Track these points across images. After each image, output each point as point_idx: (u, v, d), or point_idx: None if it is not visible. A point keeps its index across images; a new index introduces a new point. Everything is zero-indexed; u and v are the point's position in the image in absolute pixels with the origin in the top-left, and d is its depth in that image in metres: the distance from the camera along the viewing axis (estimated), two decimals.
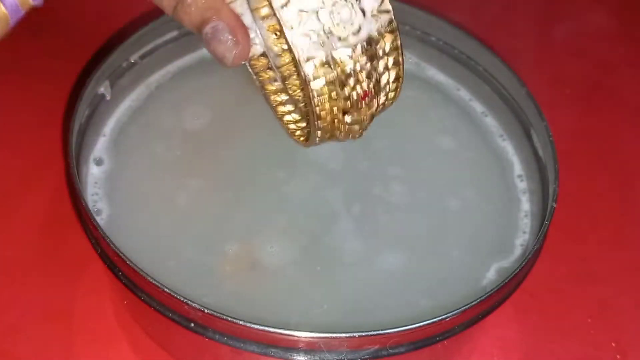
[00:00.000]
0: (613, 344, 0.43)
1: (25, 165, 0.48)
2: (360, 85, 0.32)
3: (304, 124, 0.38)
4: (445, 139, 0.46)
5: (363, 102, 0.32)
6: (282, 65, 0.33)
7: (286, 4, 0.29)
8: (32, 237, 0.45)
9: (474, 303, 0.33)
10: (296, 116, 0.38)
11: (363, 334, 0.32)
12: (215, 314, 0.32)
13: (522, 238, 0.41)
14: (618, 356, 0.42)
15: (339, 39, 0.30)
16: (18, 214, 0.46)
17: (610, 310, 0.44)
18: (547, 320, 0.43)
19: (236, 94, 0.46)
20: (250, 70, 0.37)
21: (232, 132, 0.45)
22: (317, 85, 0.31)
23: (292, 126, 0.38)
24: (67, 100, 0.50)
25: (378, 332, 0.32)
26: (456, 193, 0.43)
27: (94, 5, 0.58)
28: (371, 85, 0.32)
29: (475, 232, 0.41)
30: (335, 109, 0.32)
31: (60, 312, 0.41)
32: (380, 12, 0.31)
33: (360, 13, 0.30)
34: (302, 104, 0.35)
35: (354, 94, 0.32)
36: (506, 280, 0.34)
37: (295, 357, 0.33)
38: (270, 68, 0.36)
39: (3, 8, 0.29)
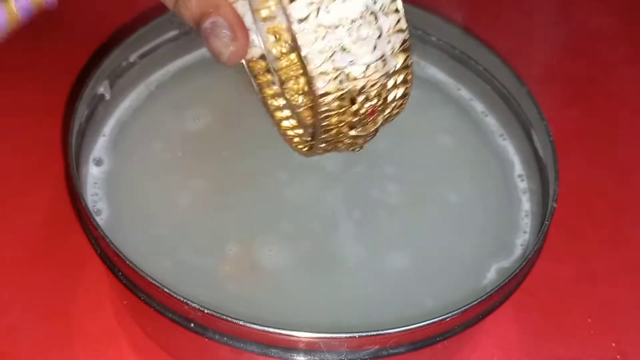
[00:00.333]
0: (613, 344, 0.43)
1: (25, 165, 0.48)
2: (370, 101, 0.31)
3: (301, 131, 0.37)
4: (445, 139, 0.46)
5: (370, 118, 0.32)
6: (281, 69, 0.33)
7: (306, 18, 0.29)
8: (32, 237, 0.45)
9: (474, 303, 0.33)
10: (294, 122, 0.38)
11: (363, 334, 0.32)
12: (215, 314, 0.32)
13: (522, 238, 0.41)
14: (618, 356, 0.42)
15: (354, 56, 0.30)
16: (18, 214, 0.45)
17: (610, 310, 0.44)
18: (547, 320, 0.43)
19: (236, 94, 0.46)
20: (248, 72, 0.37)
21: (232, 132, 0.45)
22: (327, 99, 0.30)
23: (290, 132, 0.38)
24: (66, 100, 0.50)
25: (378, 332, 0.32)
26: (456, 193, 0.43)
27: (94, 5, 0.58)
28: (379, 103, 0.32)
29: (475, 232, 0.41)
30: (342, 124, 0.32)
31: (60, 312, 0.41)
32: (396, 31, 0.31)
33: (377, 32, 0.30)
34: (299, 110, 0.35)
35: (362, 110, 0.31)
36: (506, 280, 0.34)
37: (295, 357, 0.33)
38: (268, 71, 0.36)
39: (14, 7, 0.29)
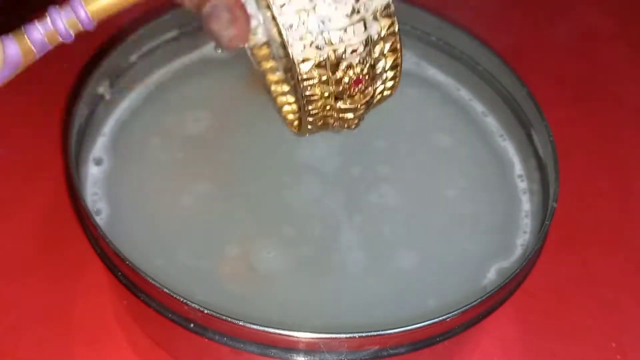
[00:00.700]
0: (613, 344, 0.43)
1: (25, 165, 0.48)
2: (353, 69, 0.31)
3: None
4: (445, 139, 0.46)
5: (356, 87, 0.31)
6: (286, 56, 0.33)
7: None
8: (32, 237, 0.45)
9: (474, 303, 0.33)
10: (295, 107, 0.37)
11: (363, 334, 0.32)
12: (214, 314, 0.31)
13: (522, 238, 0.41)
14: (618, 356, 0.42)
15: (330, 20, 0.29)
16: (18, 214, 0.45)
17: (610, 311, 0.44)
18: (547, 321, 0.43)
19: (236, 94, 0.46)
20: (252, 59, 0.36)
21: (232, 132, 0.45)
22: (305, 67, 0.30)
23: (290, 116, 0.37)
24: (66, 100, 0.50)
25: (378, 332, 0.32)
26: (456, 193, 0.43)
27: None
28: (365, 71, 0.31)
29: (475, 232, 0.41)
30: (326, 93, 0.31)
31: (60, 312, 0.41)
32: None
33: None
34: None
35: (346, 78, 0.31)
36: (506, 281, 0.34)
37: (295, 358, 0.33)
38: (272, 58, 0.36)
39: (27, 40, 0.29)
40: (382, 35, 0.31)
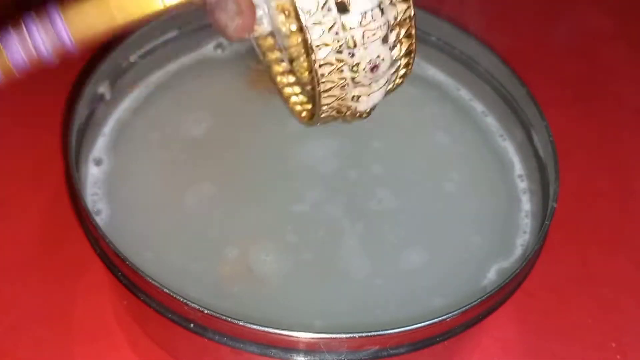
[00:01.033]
0: (613, 344, 0.43)
1: (25, 165, 0.48)
2: (371, 55, 0.30)
3: (309, 106, 0.36)
4: (445, 138, 0.46)
5: (372, 74, 0.31)
6: (291, 47, 0.32)
7: None
8: (32, 237, 0.45)
9: (474, 303, 0.33)
10: (303, 98, 0.37)
11: (363, 334, 0.32)
12: (214, 314, 0.31)
13: (522, 238, 0.41)
14: (618, 356, 0.42)
15: (349, 4, 0.29)
16: (18, 214, 0.45)
17: (610, 311, 0.44)
18: (547, 321, 0.43)
19: (237, 94, 0.46)
20: (257, 49, 0.36)
21: (233, 132, 0.45)
22: (323, 53, 0.29)
23: (298, 107, 0.37)
24: (66, 100, 0.50)
25: (378, 332, 0.32)
26: (456, 193, 0.43)
27: None
28: (382, 57, 0.30)
29: (475, 232, 0.41)
30: (342, 81, 0.30)
31: (60, 312, 0.41)
32: None
33: None
34: (310, 87, 0.34)
35: (363, 64, 0.30)
36: (506, 281, 0.34)
37: (295, 358, 0.33)
38: (278, 49, 0.35)
39: (6, 58, 0.28)
40: (398, 21, 0.30)
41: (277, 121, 0.44)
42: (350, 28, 0.29)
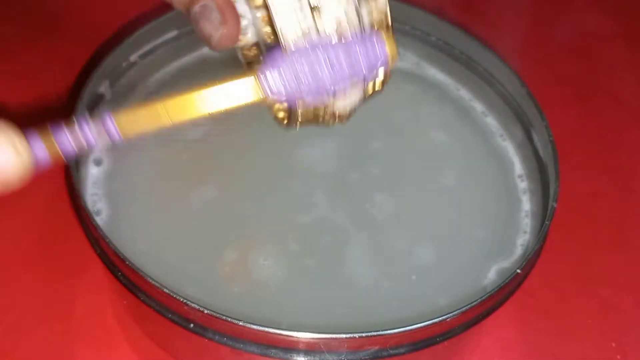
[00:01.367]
0: (613, 344, 0.43)
1: None
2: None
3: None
4: (445, 139, 0.46)
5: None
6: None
7: None
8: (32, 237, 0.45)
9: (474, 303, 0.33)
10: (286, 105, 0.37)
11: (363, 334, 0.32)
12: (215, 314, 0.31)
13: (522, 238, 0.41)
14: (618, 356, 0.42)
15: (323, 8, 0.29)
16: (18, 214, 0.45)
17: (610, 311, 0.44)
18: (548, 321, 0.43)
19: None
20: (242, 59, 0.36)
21: (233, 132, 0.44)
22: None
23: (280, 114, 0.37)
24: (66, 99, 0.50)
25: (378, 332, 0.32)
26: (456, 193, 0.43)
27: (94, 5, 0.58)
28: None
29: (475, 232, 0.41)
30: None
31: (60, 312, 0.41)
32: None
33: None
34: None
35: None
36: (506, 281, 0.34)
37: (295, 358, 0.33)
38: (262, 58, 0.35)
39: (57, 148, 0.28)
40: (375, 29, 0.31)
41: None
42: (327, 34, 0.30)
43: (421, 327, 0.32)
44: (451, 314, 0.33)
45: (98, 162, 0.42)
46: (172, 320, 0.33)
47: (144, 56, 0.46)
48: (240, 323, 0.31)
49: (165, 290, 0.32)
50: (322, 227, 0.40)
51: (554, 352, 0.42)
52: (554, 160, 0.40)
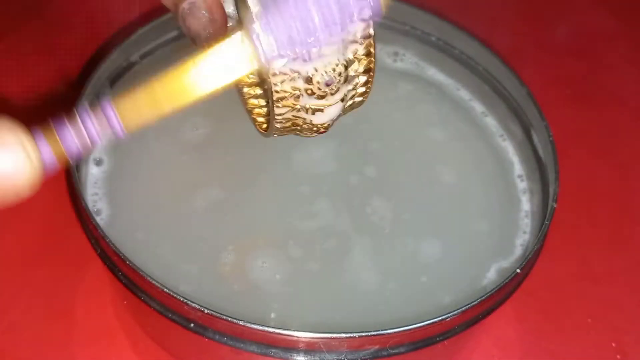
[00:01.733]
0: (613, 344, 0.43)
1: None
2: (325, 68, 0.30)
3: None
4: (445, 139, 0.46)
5: (327, 88, 0.31)
6: None
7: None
8: (32, 237, 0.45)
9: (474, 303, 0.33)
10: (266, 110, 0.37)
11: (363, 334, 0.32)
12: (215, 314, 0.32)
13: (522, 238, 0.41)
14: (618, 356, 0.42)
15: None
16: (18, 214, 0.45)
17: (610, 310, 0.44)
18: (547, 320, 0.43)
19: (236, 94, 0.46)
20: None
21: (233, 132, 0.44)
22: (278, 64, 0.29)
23: (260, 119, 0.37)
24: (67, 100, 0.50)
25: (378, 332, 0.32)
26: (456, 193, 0.43)
27: (94, 5, 0.58)
28: (337, 71, 0.31)
29: (475, 232, 0.41)
30: (296, 92, 0.31)
31: (60, 311, 0.41)
32: None
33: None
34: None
35: (318, 77, 0.30)
36: (506, 280, 0.34)
37: (295, 358, 0.33)
38: None
39: (62, 149, 0.28)
40: (357, 38, 0.31)
41: None
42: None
43: (421, 327, 0.32)
44: (451, 314, 0.33)
45: (98, 162, 0.42)
46: (173, 320, 0.33)
47: (144, 56, 0.46)
48: (241, 323, 0.31)
49: (165, 289, 0.32)
50: (323, 229, 0.40)
51: (553, 352, 0.42)
52: (554, 160, 0.40)
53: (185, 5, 0.31)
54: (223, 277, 0.38)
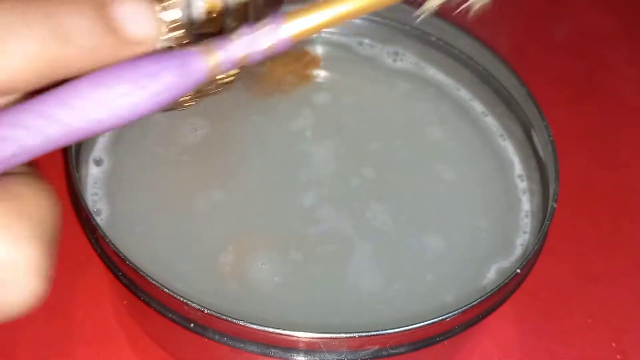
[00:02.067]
0: (613, 344, 0.43)
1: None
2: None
3: None
4: (445, 139, 0.46)
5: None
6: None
7: None
8: None
9: (474, 303, 0.33)
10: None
11: (363, 334, 0.32)
12: (215, 314, 0.31)
13: (522, 238, 0.41)
14: (618, 356, 0.42)
15: None
16: None
17: (610, 310, 0.44)
18: (547, 320, 0.43)
19: (236, 94, 0.46)
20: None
21: (233, 132, 0.45)
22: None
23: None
24: None
25: (378, 332, 0.32)
26: (456, 193, 0.43)
27: None
28: None
29: (475, 232, 0.41)
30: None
31: (60, 312, 0.41)
32: None
33: None
34: None
35: None
36: (506, 280, 0.34)
37: (295, 358, 0.33)
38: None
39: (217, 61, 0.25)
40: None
41: (276, 123, 0.44)
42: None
43: (421, 327, 0.32)
44: (451, 314, 0.33)
45: (98, 162, 0.42)
46: (173, 320, 0.33)
47: None
48: (241, 323, 0.31)
49: (165, 290, 0.32)
50: (323, 230, 0.40)
51: (553, 352, 0.42)
52: (554, 160, 0.40)
53: None
54: (223, 277, 0.38)
